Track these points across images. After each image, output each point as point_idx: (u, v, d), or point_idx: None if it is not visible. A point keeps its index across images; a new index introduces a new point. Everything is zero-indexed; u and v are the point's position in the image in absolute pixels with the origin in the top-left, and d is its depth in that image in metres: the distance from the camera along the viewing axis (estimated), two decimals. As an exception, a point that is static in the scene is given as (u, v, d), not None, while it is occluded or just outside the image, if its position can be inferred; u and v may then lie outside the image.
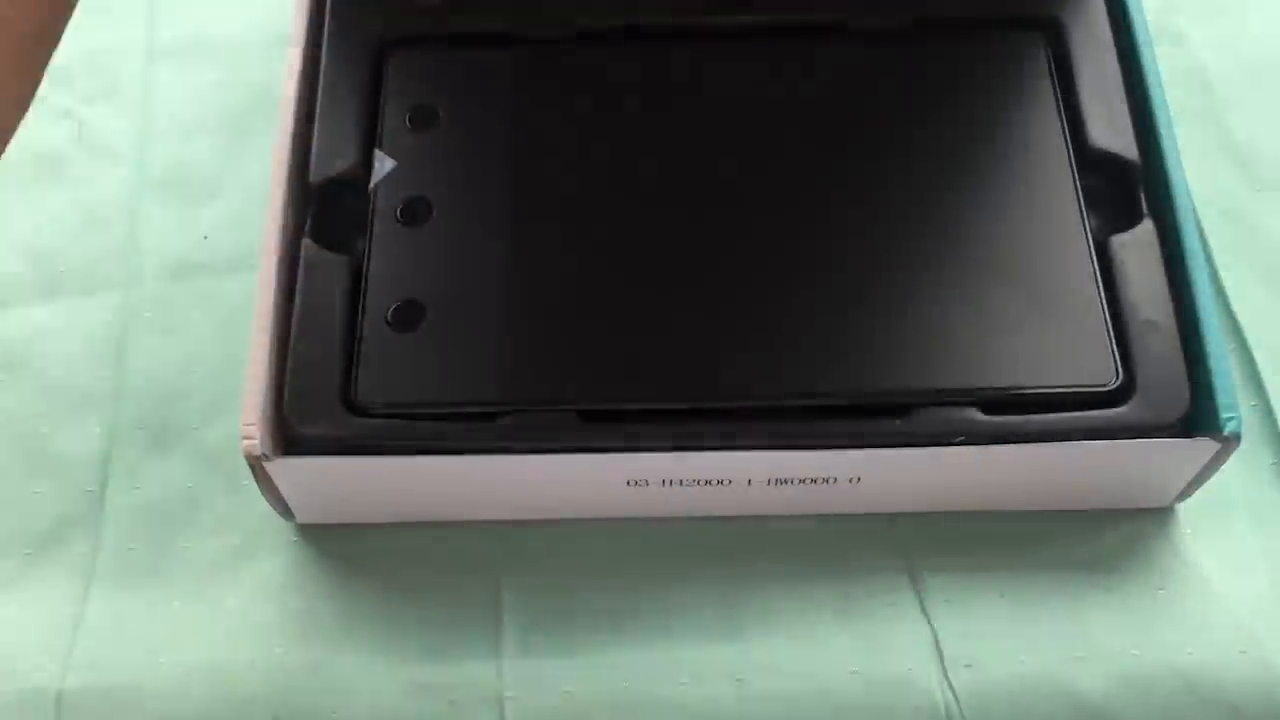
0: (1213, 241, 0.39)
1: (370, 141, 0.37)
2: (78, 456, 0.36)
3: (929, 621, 0.34)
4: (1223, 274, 0.39)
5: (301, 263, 0.34)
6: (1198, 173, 0.40)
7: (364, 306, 0.34)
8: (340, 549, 0.35)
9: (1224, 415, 0.31)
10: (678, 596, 0.34)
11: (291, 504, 0.34)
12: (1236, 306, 0.38)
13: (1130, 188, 0.36)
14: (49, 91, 0.43)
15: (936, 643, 0.33)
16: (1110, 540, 0.35)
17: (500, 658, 0.33)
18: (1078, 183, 0.35)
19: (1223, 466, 0.33)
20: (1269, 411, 0.37)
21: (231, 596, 0.34)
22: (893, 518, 0.35)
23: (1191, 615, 0.34)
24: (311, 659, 0.33)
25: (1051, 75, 0.37)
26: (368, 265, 0.35)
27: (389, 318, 0.34)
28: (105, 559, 0.35)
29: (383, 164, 0.36)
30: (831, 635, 0.33)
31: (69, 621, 0.34)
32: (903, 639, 0.33)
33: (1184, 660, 0.33)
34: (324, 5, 0.39)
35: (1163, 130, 0.35)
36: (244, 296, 0.38)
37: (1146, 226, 0.35)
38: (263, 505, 0.34)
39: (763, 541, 0.35)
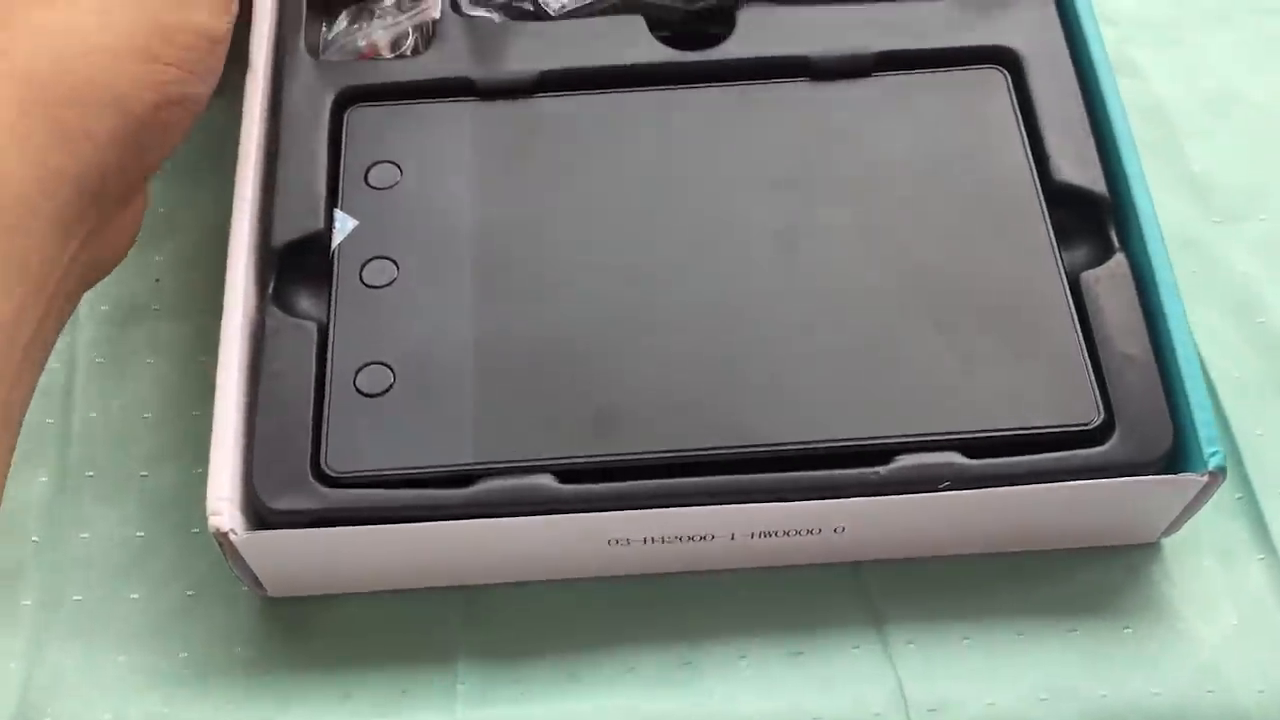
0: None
1: (333, 201, 0.36)
2: (24, 504, 0.35)
3: (893, 666, 0.33)
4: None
5: (265, 330, 0.34)
6: (1157, 205, 0.40)
7: (331, 372, 0.33)
8: (294, 601, 0.34)
9: (1208, 450, 0.31)
10: (639, 647, 0.33)
11: (262, 578, 0.33)
12: (1199, 339, 0.38)
13: (1100, 222, 0.35)
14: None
15: (901, 688, 0.33)
16: (1078, 581, 0.34)
17: (454, 714, 0.32)
18: (1048, 219, 0.35)
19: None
20: (1233, 445, 0.36)
21: (182, 649, 0.33)
22: (856, 565, 0.35)
23: (1159, 655, 0.33)
24: (262, 717, 0.32)
25: (1015, 110, 0.37)
26: (333, 329, 0.34)
27: (356, 383, 0.33)
28: (52, 610, 0.34)
29: (344, 224, 0.36)
30: (793, 682, 0.33)
31: (16, 676, 0.33)
32: (866, 685, 0.33)
33: (1151, 701, 0.33)
34: (281, 58, 0.38)
35: (1129, 162, 0.35)
36: (195, 341, 0.38)
37: (1119, 260, 0.34)
38: (214, 553, 0.33)
39: (725, 589, 0.34)
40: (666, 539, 0.33)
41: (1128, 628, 0.34)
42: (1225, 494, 0.36)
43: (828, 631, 0.34)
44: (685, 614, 0.34)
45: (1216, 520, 0.35)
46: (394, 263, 0.35)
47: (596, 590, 0.34)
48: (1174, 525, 0.34)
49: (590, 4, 0.39)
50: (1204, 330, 0.38)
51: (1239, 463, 0.36)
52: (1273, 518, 0.35)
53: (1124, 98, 0.40)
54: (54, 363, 0.38)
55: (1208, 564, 0.35)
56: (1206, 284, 0.39)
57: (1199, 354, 0.37)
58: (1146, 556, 0.35)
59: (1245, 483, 0.36)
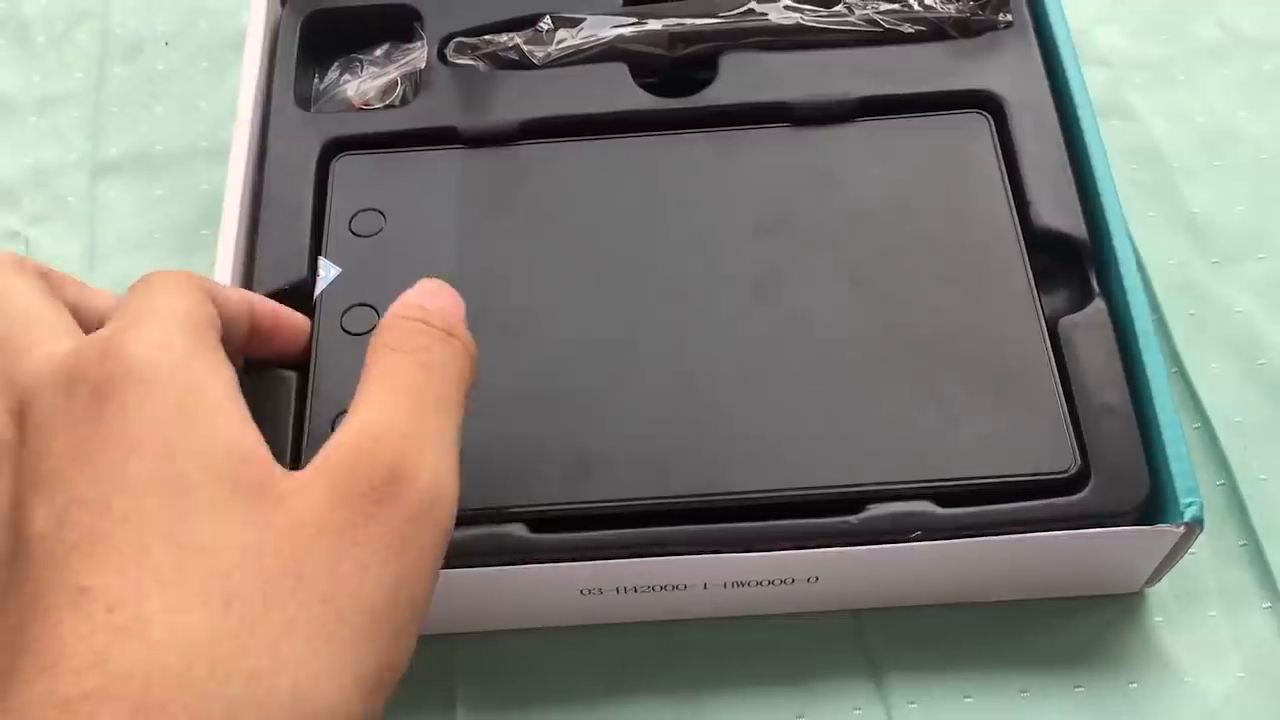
0: (1170, 316, 0.39)
1: (317, 250, 0.36)
2: None
3: None
4: (1182, 350, 0.38)
5: (245, 378, 0.34)
6: (1153, 247, 0.40)
7: (309, 420, 0.34)
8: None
9: (1184, 501, 0.31)
10: (636, 703, 0.33)
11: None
12: (1197, 383, 0.37)
13: (1080, 267, 0.35)
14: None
15: None
16: (1080, 631, 0.34)
17: None
18: (1028, 264, 0.35)
19: (1190, 550, 0.32)
20: (1234, 490, 0.36)
21: None
22: (856, 614, 0.34)
23: (1164, 710, 0.33)
24: None
25: (997, 155, 0.37)
26: (313, 377, 0.34)
27: (333, 429, 0.33)
28: None
29: (328, 272, 0.36)
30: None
31: None
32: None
33: None
34: (268, 112, 0.39)
35: (1109, 208, 0.35)
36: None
37: (1098, 306, 0.34)
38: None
39: (723, 643, 0.34)
40: (638, 589, 0.33)
41: (1133, 683, 0.33)
42: (1228, 541, 0.35)
43: (830, 691, 0.33)
44: (687, 670, 0.34)
45: (1219, 568, 0.35)
46: (375, 310, 0.35)
47: (597, 645, 0.34)
48: (1155, 576, 0.33)
49: (574, 53, 0.39)
50: (1203, 373, 0.38)
51: (1242, 509, 0.35)
52: (1278, 564, 0.35)
53: (1119, 139, 0.40)
54: None
55: (1212, 614, 0.34)
56: (1205, 326, 0.39)
57: (1198, 397, 0.37)
58: (1148, 605, 0.34)
59: (1249, 529, 0.35)
